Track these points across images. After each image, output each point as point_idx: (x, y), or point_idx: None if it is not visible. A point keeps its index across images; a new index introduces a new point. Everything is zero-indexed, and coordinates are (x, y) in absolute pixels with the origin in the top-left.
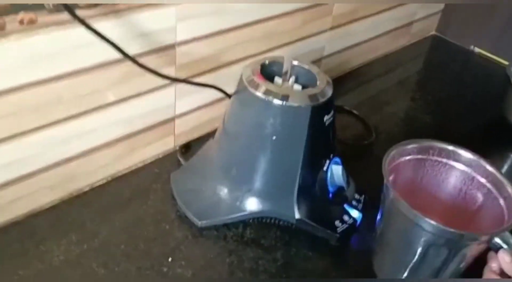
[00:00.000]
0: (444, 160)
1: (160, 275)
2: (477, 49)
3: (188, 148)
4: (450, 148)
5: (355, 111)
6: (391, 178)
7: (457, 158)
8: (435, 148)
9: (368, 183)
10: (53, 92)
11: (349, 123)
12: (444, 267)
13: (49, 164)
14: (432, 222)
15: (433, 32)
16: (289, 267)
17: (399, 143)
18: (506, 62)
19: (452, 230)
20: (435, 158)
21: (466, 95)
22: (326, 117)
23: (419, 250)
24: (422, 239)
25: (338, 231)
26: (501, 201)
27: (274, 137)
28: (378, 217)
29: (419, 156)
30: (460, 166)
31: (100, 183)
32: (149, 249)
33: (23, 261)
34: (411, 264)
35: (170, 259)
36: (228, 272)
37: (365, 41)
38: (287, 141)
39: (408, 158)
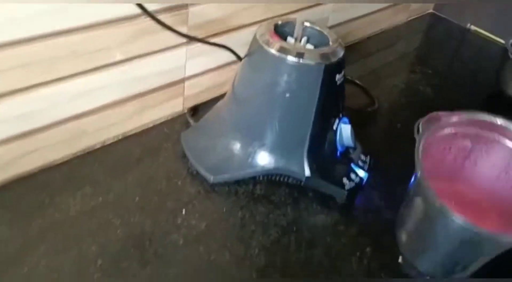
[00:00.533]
0: (491, 135)
1: (175, 226)
2: (473, 27)
3: (196, 111)
4: (499, 122)
5: (358, 82)
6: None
7: (507, 134)
8: (479, 121)
9: (372, 147)
10: (64, 46)
11: (352, 93)
12: (473, 261)
13: (59, 119)
14: (462, 221)
15: (431, 10)
16: (299, 221)
17: (436, 113)
18: (501, 41)
19: (485, 231)
20: (477, 130)
21: (464, 70)
22: (337, 77)
23: (447, 243)
24: (451, 234)
25: (346, 188)
26: None
27: (287, 95)
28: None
29: (458, 130)
30: (509, 143)
31: (111, 141)
32: (163, 203)
33: (40, 211)
34: (439, 252)
35: (184, 211)
36: (241, 225)
37: (367, 15)
38: (299, 99)
39: (444, 131)
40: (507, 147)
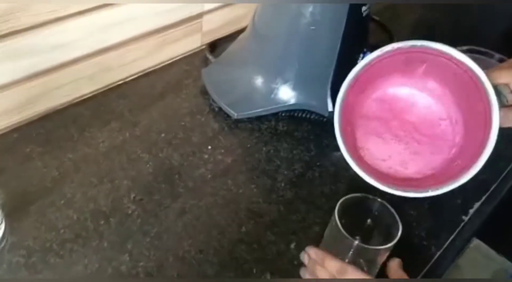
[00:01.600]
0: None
1: (202, 160)
2: None
3: (214, 47)
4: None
5: (375, 17)
6: None
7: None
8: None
9: None
10: None
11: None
12: None
13: (88, 52)
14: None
15: None
16: (321, 157)
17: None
18: None
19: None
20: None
21: (484, 8)
22: (364, 8)
23: None
24: None
25: None
26: None
27: (312, 28)
28: None
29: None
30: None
31: (133, 77)
32: (188, 138)
33: (71, 145)
34: None
35: (209, 147)
36: (266, 160)
37: None
38: (325, 31)
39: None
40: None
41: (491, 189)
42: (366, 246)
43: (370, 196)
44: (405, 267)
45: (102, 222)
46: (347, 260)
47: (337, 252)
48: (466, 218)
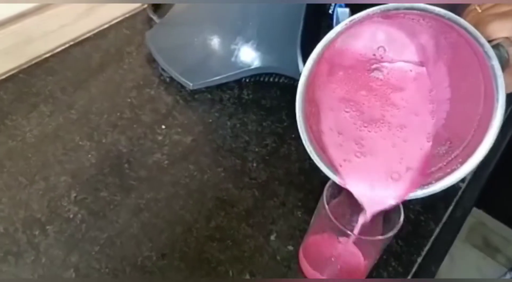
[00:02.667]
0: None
1: (156, 143)
2: None
3: (157, 5)
4: None
5: None
6: None
7: None
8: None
9: None
10: None
11: None
12: None
13: (1, 19)
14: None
15: None
16: (296, 127)
17: None
18: None
19: None
20: None
21: None
22: None
23: None
24: None
25: None
26: None
27: None
28: None
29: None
30: None
31: (62, 48)
32: (137, 117)
33: None
34: None
35: (163, 127)
36: (232, 136)
37: None
38: None
39: None
40: None
41: None
42: (362, 237)
43: None
44: (404, 248)
45: (37, 232)
46: (339, 251)
47: (328, 242)
48: (463, 185)
